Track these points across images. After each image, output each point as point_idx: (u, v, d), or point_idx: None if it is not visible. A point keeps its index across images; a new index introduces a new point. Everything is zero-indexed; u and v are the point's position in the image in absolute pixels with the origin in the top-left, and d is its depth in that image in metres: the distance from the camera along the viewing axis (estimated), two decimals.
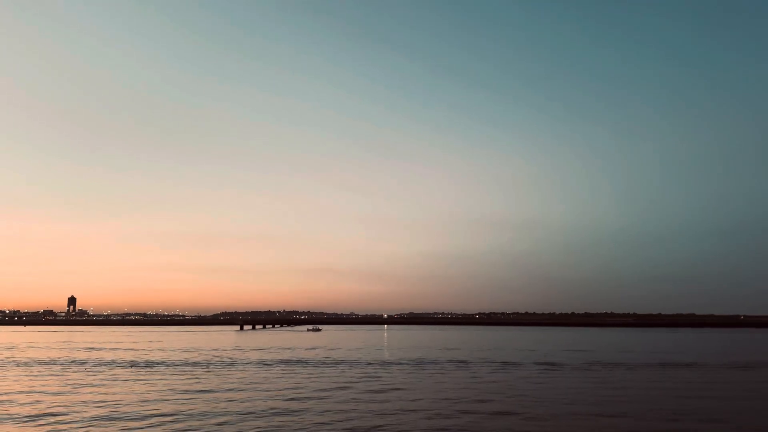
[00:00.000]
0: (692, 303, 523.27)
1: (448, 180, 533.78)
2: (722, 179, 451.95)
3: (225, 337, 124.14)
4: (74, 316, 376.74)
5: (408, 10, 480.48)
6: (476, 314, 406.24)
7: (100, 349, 78.19)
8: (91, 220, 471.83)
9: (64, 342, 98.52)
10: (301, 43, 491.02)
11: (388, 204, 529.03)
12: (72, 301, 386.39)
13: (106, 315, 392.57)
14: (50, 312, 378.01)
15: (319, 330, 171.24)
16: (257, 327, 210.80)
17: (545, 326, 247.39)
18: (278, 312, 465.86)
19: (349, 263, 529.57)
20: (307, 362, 54.48)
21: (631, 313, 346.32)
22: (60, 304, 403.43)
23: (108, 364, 53.16)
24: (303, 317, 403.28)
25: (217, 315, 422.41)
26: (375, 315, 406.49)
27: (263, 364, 52.52)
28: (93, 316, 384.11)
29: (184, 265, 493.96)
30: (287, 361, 55.44)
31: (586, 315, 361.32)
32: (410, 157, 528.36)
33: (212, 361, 56.09)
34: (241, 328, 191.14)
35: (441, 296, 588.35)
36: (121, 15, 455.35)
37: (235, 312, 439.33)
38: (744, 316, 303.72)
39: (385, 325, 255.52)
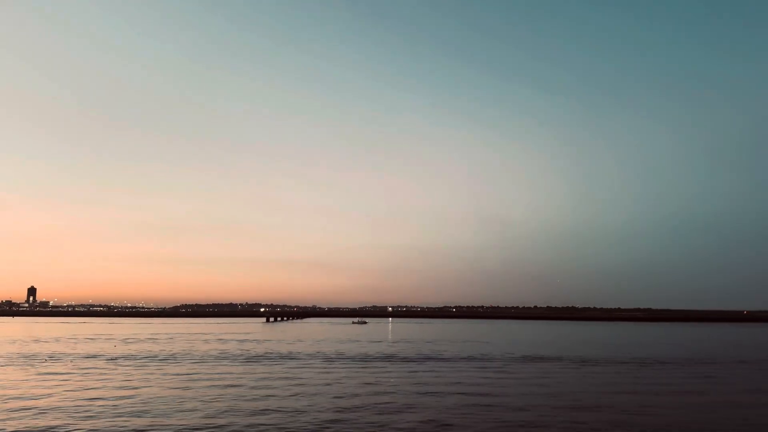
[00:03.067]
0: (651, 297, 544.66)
1: (412, 174, 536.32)
2: (696, 176, 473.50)
3: (276, 328, 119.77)
4: (38, 307, 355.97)
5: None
6: (450, 307, 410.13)
7: (150, 340, 72.51)
8: (52, 211, 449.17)
9: (83, 335, 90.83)
10: (266, 39, 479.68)
11: (352, 197, 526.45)
12: (32, 291, 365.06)
13: (71, 306, 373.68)
14: (9, 302, 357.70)
15: (365, 323, 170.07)
16: (279, 319, 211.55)
17: (514, 319, 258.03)
18: (240, 305, 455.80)
19: (312, 256, 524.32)
20: (446, 359, 48.46)
21: (593, 307, 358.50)
22: (19, 296, 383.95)
23: (232, 357, 48.62)
24: (264, 308, 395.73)
25: (177, 307, 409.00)
26: (376, 307, 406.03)
27: (453, 360, 47.30)
28: (57, 307, 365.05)
29: (144, 257, 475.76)
30: (464, 358, 48.96)
31: (548, 308, 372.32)
32: (376, 151, 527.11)
33: (352, 354, 52.07)
34: (268, 320, 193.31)
35: (404, 290, 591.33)
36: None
37: (197, 304, 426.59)
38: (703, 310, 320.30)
39: (390, 318, 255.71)
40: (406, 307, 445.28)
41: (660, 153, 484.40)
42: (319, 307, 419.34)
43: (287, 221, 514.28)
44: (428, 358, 48.38)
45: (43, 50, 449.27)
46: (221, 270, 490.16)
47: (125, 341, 70.97)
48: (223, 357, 48.34)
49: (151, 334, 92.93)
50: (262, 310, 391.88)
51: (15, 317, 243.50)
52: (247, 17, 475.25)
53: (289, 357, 48.62)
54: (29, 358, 45.54)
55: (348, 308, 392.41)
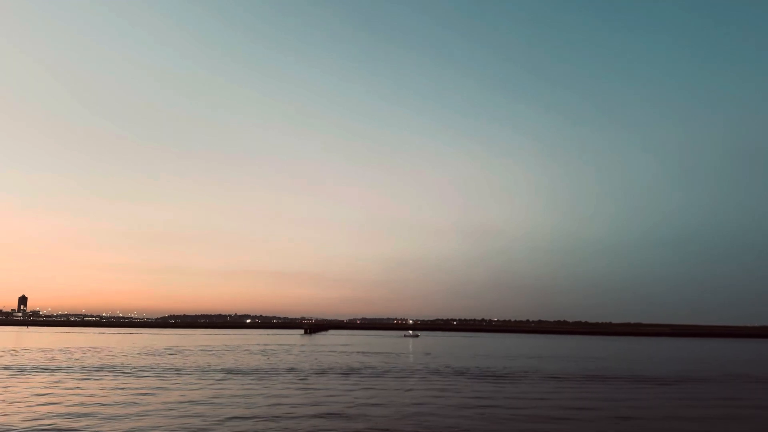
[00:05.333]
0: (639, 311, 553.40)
1: (397, 186, 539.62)
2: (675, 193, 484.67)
3: (338, 341, 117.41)
4: (31, 316, 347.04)
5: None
6: (442, 320, 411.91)
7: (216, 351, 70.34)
8: (42, 220, 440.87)
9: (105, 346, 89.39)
10: (252, 51, 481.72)
11: (339, 209, 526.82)
12: (23, 300, 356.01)
13: (64, 316, 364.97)
14: (4, 312, 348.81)
15: (417, 336, 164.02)
16: (316, 333, 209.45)
17: (504, 333, 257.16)
18: (229, 315, 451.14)
19: (299, 267, 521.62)
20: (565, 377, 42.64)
21: (583, 321, 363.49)
22: (8, 305, 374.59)
23: (325, 372, 43.82)
24: (252, 321, 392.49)
25: (166, 318, 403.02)
26: (393, 320, 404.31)
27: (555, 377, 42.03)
28: (50, 316, 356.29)
29: (131, 267, 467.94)
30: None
31: (540, 322, 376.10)
32: (363, 163, 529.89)
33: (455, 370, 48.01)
34: (306, 332, 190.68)
35: (394, 302, 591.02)
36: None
37: (185, 315, 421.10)
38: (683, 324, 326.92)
39: (411, 331, 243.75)
40: (396, 319, 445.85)
41: (640, 168, 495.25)
42: (339, 320, 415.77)
43: (274, 232, 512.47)
44: (642, 379, 42.46)
45: (37, 58, 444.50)
46: (207, 281, 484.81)
47: (221, 352, 68.35)
48: (432, 372, 44.84)
49: (224, 345, 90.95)
50: (248, 321, 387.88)
51: (12, 327, 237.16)
52: (237, 26, 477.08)
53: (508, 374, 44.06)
54: (114, 370, 44.89)
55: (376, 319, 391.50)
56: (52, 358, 54.97)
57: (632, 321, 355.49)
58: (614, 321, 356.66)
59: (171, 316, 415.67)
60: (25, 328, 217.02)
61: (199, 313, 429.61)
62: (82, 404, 25.25)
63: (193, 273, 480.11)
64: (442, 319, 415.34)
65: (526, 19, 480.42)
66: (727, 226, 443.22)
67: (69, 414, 22.69)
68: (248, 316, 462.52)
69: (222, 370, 43.30)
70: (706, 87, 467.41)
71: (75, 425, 20.48)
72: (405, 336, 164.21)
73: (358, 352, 73.10)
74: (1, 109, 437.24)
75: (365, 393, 30.94)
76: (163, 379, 36.23)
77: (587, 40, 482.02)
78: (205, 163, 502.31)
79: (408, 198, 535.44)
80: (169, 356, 60.45)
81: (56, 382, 33.95)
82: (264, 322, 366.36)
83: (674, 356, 78.26)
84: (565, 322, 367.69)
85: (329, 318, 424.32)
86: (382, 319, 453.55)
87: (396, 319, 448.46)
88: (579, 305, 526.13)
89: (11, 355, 58.73)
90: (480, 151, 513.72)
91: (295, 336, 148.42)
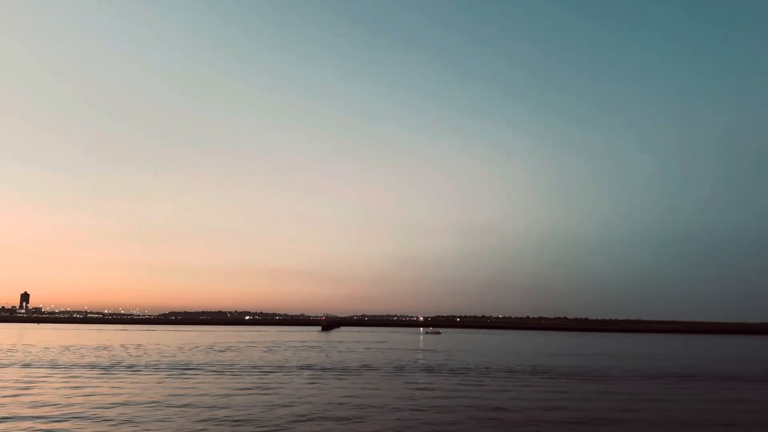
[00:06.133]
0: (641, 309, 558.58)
1: (396, 183, 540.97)
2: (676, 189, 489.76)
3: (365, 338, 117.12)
4: (34, 313, 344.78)
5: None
6: (443, 317, 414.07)
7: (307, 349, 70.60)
8: (43, 217, 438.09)
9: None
10: (249, 47, 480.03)
11: (338, 206, 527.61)
12: (25, 297, 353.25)
13: (66, 312, 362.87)
14: (9, 309, 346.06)
15: (438, 333, 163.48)
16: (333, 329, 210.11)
17: (505, 329, 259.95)
18: (229, 312, 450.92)
19: (298, 265, 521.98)
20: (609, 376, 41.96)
21: (584, 318, 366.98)
22: (10, 302, 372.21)
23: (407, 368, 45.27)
24: (252, 318, 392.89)
25: (167, 315, 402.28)
26: (404, 317, 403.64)
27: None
28: (53, 313, 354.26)
29: (130, 264, 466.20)
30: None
31: (541, 318, 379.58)
32: (362, 160, 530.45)
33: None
34: (324, 329, 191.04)
35: (392, 299, 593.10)
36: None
37: (185, 312, 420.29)
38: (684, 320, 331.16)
39: (421, 328, 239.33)
40: (396, 316, 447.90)
41: (639, 162, 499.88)
42: (357, 317, 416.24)
43: (274, 230, 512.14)
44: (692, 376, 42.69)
45: (37, 56, 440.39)
46: (208, 278, 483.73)
47: (267, 348, 68.65)
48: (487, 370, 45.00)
49: (249, 341, 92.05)
50: (247, 318, 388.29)
51: (18, 323, 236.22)
52: (233, 22, 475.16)
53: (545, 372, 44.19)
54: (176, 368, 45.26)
55: (383, 316, 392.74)
56: (130, 354, 55.42)
57: (631, 318, 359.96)
58: (613, 318, 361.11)
59: (171, 313, 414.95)
60: (37, 325, 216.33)
61: (200, 310, 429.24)
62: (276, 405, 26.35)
63: (194, 270, 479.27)
64: (442, 316, 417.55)
65: (525, 19, 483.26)
66: (722, 224, 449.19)
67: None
68: (248, 313, 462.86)
69: (306, 367, 44.11)
70: (704, 87, 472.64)
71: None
72: (426, 333, 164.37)
73: (414, 350, 73.74)
74: (1, 107, 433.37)
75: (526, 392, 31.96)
76: (287, 377, 37.16)
77: (586, 40, 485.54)
78: (206, 160, 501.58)
79: (408, 196, 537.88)
80: (223, 353, 61.40)
81: (192, 386, 34.38)
82: (264, 320, 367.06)
83: (743, 355, 76.66)
84: (565, 319, 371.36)
85: (329, 315, 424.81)
86: (382, 316, 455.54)
87: (395, 315, 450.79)
88: (578, 302, 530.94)
89: (98, 354, 59.30)
90: (480, 149, 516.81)
91: (312, 333, 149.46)
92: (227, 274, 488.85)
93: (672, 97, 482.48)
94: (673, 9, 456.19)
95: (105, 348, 69.31)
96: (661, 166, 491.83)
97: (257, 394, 29.30)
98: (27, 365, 44.41)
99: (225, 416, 22.61)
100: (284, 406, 25.42)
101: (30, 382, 33.48)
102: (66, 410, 23.60)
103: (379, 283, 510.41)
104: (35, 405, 24.84)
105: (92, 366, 44.20)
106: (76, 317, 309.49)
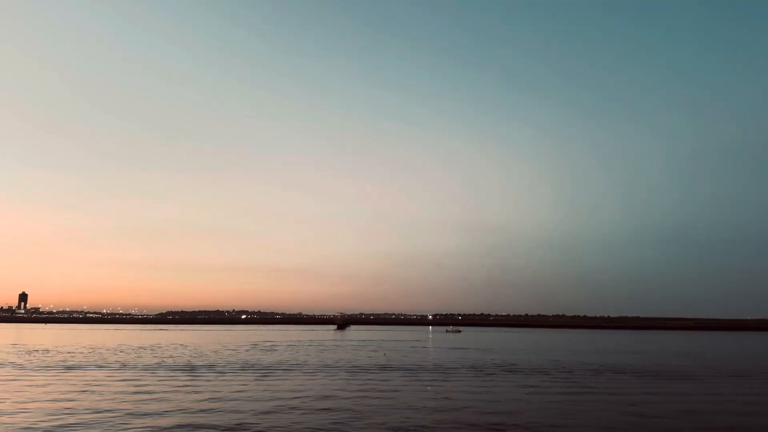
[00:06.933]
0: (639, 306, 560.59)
1: (397, 181, 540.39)
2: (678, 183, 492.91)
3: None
4: (33, 313, 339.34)
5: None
6: (440, 315, 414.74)
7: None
8: (41, 216, 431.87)
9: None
10: (249, 43, 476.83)
11: (337, 204, 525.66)
12: (23, 297, 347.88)
13: (65, 312, 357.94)
14: (8, 308, 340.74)
15: (459, 331, 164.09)
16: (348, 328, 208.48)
17: (509, 327, 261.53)
18: (227, 312, 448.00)
19: (296, 263, 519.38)
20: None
21: (581, 315, 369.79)
22: (9, 302, 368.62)
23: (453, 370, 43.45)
24: (250, 317, 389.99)
25: (164, 314, 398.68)
26: (404, 315, 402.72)
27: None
28: (53, 313, 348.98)
29: (127, 263, 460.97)
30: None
31: (539, 316, 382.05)
32: (361, 157, 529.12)
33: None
34: (339, 328, 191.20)
35: (395, 298, 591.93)
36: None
37: (183, 311, 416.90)
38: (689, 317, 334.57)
39: (431, 327, 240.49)
40: (396, 314, 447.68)
41: (645, 159, 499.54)
42: (363, 315, 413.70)
43: (273, 228, 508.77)
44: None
45: (40, 54, 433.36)
46: (205, 277, 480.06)
47: (298, 348, 67.46)
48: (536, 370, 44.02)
49: (281, 340, 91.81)
50: (243, 317, 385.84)
51: (17, 323, 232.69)
52: (232, 20, 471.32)
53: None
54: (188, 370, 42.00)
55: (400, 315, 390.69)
56: (173, 355, 54.71)
57: (630, 315, 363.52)
58: (612, 315, 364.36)
59: (169, 312, 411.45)
60: (42, 325, 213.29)
61: (197, 310, 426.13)
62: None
63: (191, 269, 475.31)
64: (442, 314, 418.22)
65: (532, 11, 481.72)
66: (726, 221, 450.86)
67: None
68: (246, 312, 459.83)
69: (354, 367, 43.67)
70: (716, 75, 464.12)
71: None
72: (446, 331, 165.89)
73: (454, 348, 73.52)
74: (1, 106, 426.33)
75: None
76: (348, 377, 36.76)
77: (593, 29, 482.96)
78: (206, 159, 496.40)
79: (410, 193, 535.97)
80: (262, 352, 60.99)
81: (255, 389, 33.88)
82: (262, 319, 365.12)
83: (754, 351, 77.35)
84: (563, 316, 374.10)
85: (329, 314, 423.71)
86: (383, 314, 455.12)
87: (394, 314, 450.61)
88: (578, 300, 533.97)
89: (132, 353, 58.29)
90: (484, 146, 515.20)
91: (329, 332, 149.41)
92: (225, 273, 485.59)
93: (684, 95, 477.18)
94: (688, 3, 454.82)
95: (149, 348, 68.16)
96: (669, 164, 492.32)
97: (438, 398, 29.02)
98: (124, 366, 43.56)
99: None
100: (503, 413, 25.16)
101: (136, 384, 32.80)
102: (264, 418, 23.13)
103: (381, 281, 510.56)
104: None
105: (174, 368, 43.44)
106: (75, 317, 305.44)
